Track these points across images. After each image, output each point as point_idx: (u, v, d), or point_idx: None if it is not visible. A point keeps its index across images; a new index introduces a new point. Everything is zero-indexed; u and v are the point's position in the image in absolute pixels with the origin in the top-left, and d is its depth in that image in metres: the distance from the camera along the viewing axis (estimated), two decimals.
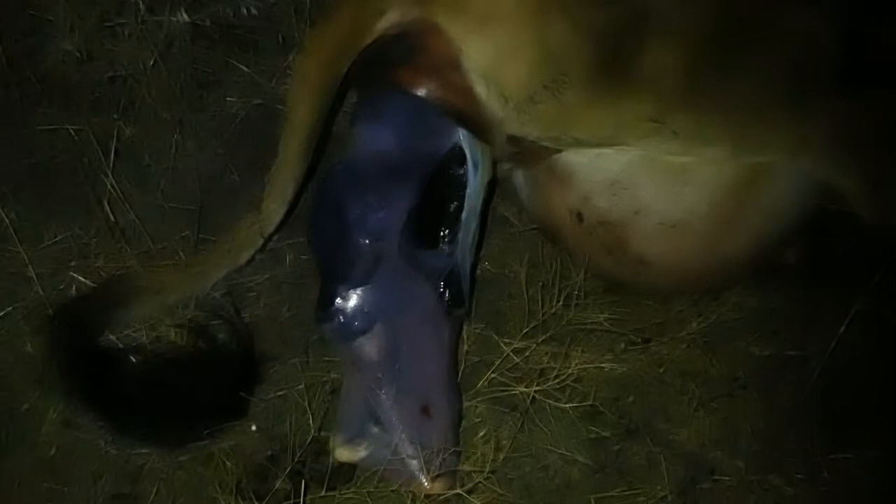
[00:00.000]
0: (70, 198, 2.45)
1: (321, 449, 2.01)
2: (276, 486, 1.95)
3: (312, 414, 2.03)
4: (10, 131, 2.58)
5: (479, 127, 1.99)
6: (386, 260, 1.94)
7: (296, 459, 1.97)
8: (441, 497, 1.93)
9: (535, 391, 2.08)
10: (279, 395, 2.11)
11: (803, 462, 2.03)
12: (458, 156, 1.98)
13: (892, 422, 2.07)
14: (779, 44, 2.02)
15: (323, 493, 1.94)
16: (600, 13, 1.93)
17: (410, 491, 1.92)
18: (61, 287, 2.26)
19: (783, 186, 2.12)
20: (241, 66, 2.75)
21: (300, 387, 2.08)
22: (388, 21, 1.97)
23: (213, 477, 1.96)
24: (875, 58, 2.07)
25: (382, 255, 1.94)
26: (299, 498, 1.90)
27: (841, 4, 2.08)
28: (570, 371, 2.12)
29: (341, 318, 1.94)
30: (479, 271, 2.35)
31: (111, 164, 2.39)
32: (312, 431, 2.01)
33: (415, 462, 1.92)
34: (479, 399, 2.11)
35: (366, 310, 1.94)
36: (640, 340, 2.25)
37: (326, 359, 2.16)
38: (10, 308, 2.22)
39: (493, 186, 2.15)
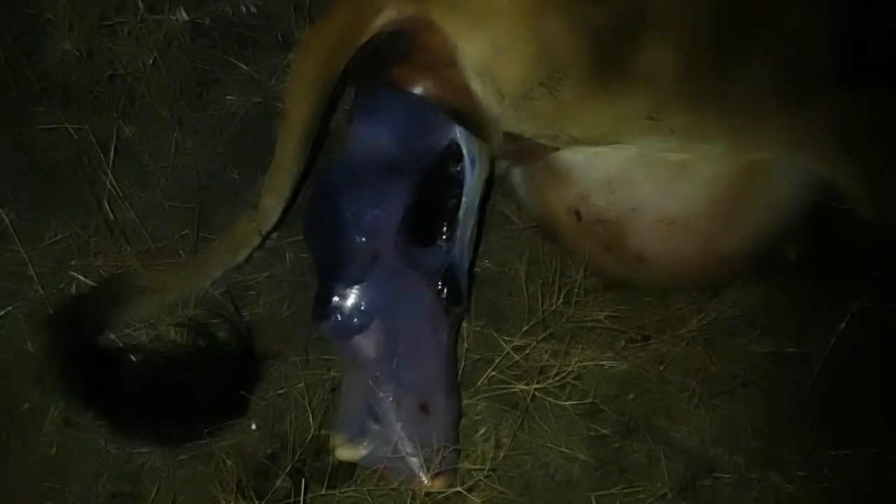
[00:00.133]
0: (70, 197, 2.45)
1: (321, 447, 2.02)
2: (277, 484, 1.95)
3: (312, 412, 2.03)
4: (9, 130, 2.58)
5: (476, 124, 1.99)
6: (382, 258, 1.94)
7: (296, 458, 1.98)
8: (441, 495, 1.93)
9: (535, 389, 2.08)
10: (279, 394, 2.12)
11: (803, 459, 2.03)
12: (455, 153, 1.98)
13: (891, 419, 2.07)
14: (776, 41, 2.02)
15: (323, 492, 1.94)
16: (596, 10, 1.93)
17: (410, 489, 1.92)
18: (61, 286, 2.26)
19: (782, 183, 2.12)
20: (240, 64, 2.76)
21: (300, 385, 2.08)
22: (384, 18, 1.97)
23: (213, 475, 1.96)
24: (874, 56, 2.07)
25: (379, 253, 1.94)
26: (300, 496, 1.90)
27: (840, 3, 2.07)
28: (570, 368, 2.12)
29: (338, 316, 1.95)
30: (478, 269, 2.36)
31: (111, 163, 2.39)
32: (312, 430, 2.01)
33: (415, 460, 1.92)
34: (479, 397, 2.11)
35: (363, 308, 1.94)
36: (640, 338, 2.25)
37: (326, 357, 2.16)
38: (11, 307, 2.22)
39: (491, 184, 2.15)
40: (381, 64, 1.98)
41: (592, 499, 1.96)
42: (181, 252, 2.34)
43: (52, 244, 2.34)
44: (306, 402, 2.04)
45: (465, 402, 2.08)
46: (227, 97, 2.72)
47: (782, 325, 2.25)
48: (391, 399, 1.93)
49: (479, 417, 2.10)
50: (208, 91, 2.74)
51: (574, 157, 2.14)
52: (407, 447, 1.92)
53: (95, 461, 2.01)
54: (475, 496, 1.94)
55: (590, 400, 2.11)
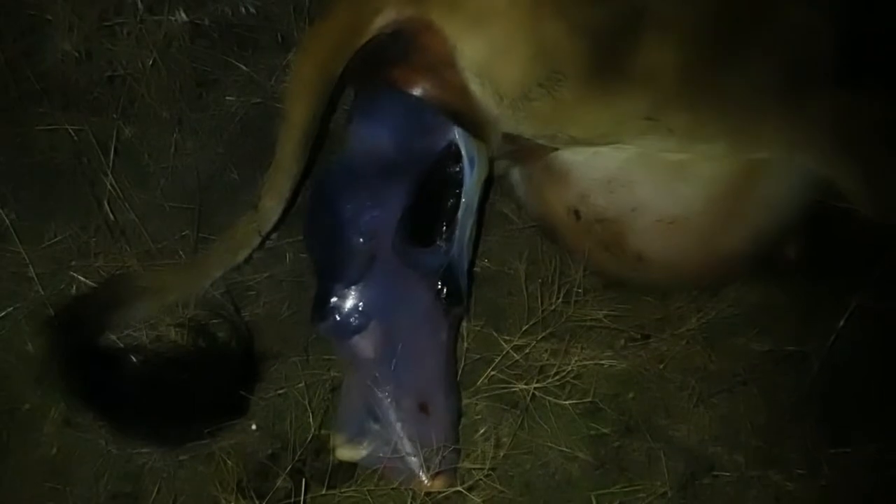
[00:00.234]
0: (70, 197, 2.45)
1: (322, 447, 2.02)
2: (277, 484, 1.96)
3: (313, 412, 2.03)
4: (9, 131, 2.58)
5: (475, 125, 1.99)
6: (381, 258, 1.95)
7: (296, 458, 1.98)
8: (441, 494, 1.93)
9: (534, 388, 2.09)
10: (279, 394, 2.12)
11: (803, 457, 2.03)
12: (454, 153, 1.98)
13: (891, 416, 2.07)
14: (776, 41, 2.02)
15: (323, 492, 1.94)
16: (595, 11, 1.93)
17: (411, 489, 1.93)
18: (61, 287, 2.26)
19: (781, 182, 2.12)
20: (240, 64, 2.76)
21: (300, 385, 2.08)
22: (383, 19, 1.97)
23: (213, 476, 1.96)
24: (874, 56, 2.07)
25: (377, 254, 1.95)
26: (300, 496, 1.90)
27: (840, 3, 2.07)
28: (569, 368, 2.13)
29: (337, 316, 1.95)
30: (478, 268, 2.36)
31: (111, 164, 2.40)
32: (313, 430, 2.02)
33: (414, 460, 1.92)
34: (479, 396, 2.11)
35: (361, 308, 1.95)
36: (639, 337, 2.25)
37: (326, 357, 2.16)
38: (11, 308, 2.22)
39: (490, 184, 2.15)
40: (380, 65, 1.99)
41: (592, 498, 1.96)
42: (181, 253, 2.34)
43: (53, 245, 2.34)
44: (306, 402, 2.04)
45: (464, 401, 2.08)
46: (227, 98, 2.72)
47: (782, 323, 2.25)
48: (390, 399, 1.94)
49: (479, 417, 2.10)
50: (208, 92, 2.74)
51: (573, 157, 2.14)
52: (407, 447, 1.93)
53: (96, 461, 2.01)
54: (475, 495, 1.94)
55: (589, 399, 2.11)
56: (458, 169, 1.98)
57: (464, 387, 2.11)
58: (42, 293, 2.23)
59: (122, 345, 2.15)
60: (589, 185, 2.16)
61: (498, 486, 1.96)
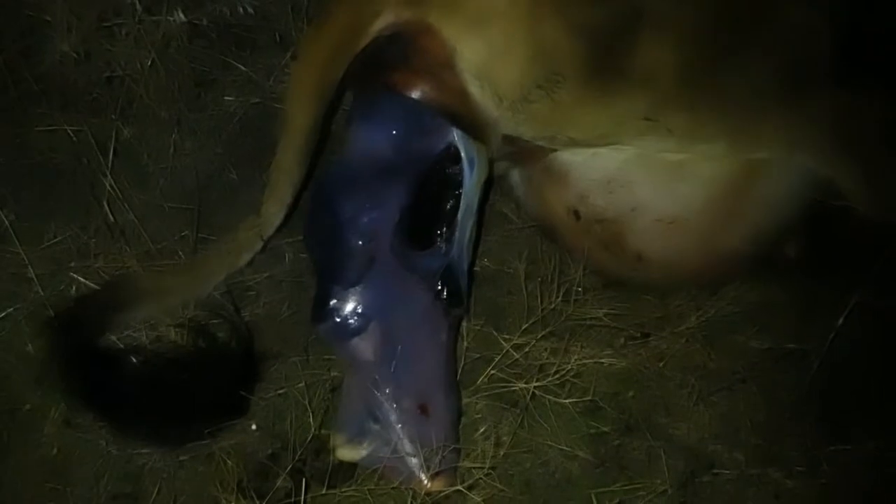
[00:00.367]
0: (69, 198, 2.45)
1: (322, 447, 2.02)
2: (277, 484, 1.96)
3: (313, 412, 2.03)
4: (8, 132, 2.58)
5: (475, 127, 2.00)
6: (380, 260, 1.95)
7: (296, 458, 1.98)
8: (441, 494, 1.94)
9: (534, 387, 2.09)
10: (279, 394, 2.12)
11: (803, 455, 2.04)
12: (453, 155, 1.98)
13: (890, 414, 2.07)
14: (774, 41, 2.02)
15: (324, 492, 1.95)
16: (594, 12, 1.93)
17: (411, 488, 1.93)
18: (61, 287, 2.26)
19: (780, 181, 2.13)
20: (238, 65, 2.76)
21: (300, 385, 2.08)
22: (382, 22, 1.97)
23: (214, 476, 1.97)
24: (874, 56, 2.07)
25: (376, 255, 1.95)
26: (300, 496, 1.90)
27: (840, 3, 2.08)
28: (569, 366, 2.13)
29: (336, 318, 1.95)
30: (478, 268, 2.36)
31: (110, 164, 2.40)
32: (313, 430, 2.02)
33: (415, 460, 1.92)
34: (478, 395, 2.11)
35: (360, 310, 1.95)
36: (639, 335, 2.25)
37: (326, 357, 2.16)
38: (11, 309, 2.22)
39: (490, 185, 2.15)
40: (379, 68, 1.99)
41: (592, 496, 1.97)
42: (181, 253, 2.34)
43: (52, 245, 2.33)
44: (306, 402, 2.04)
45: (465, 400, 2.09)
46: (226, 98, 2.72)
47: (781, 321, 2.25)
48: (390, 400, 1.94)
49: (479, 416, 2.10)
50: (206, 92, 2.74)
51: (572, 158, 2.14)
52: (407, 447, 1.93)
53: (96, 462, 2.02)
54: (475, 494, 1.94)
55: (589, 397, 2.11)
56: (457, 170, 1.99)
57: (464, 386, 2.11)
58: (42, 294, 2.23)
59: (122, 345, 2.15)
60: (588, 186, 2.16)
61: (498, 485, 1.97)
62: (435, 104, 1.96)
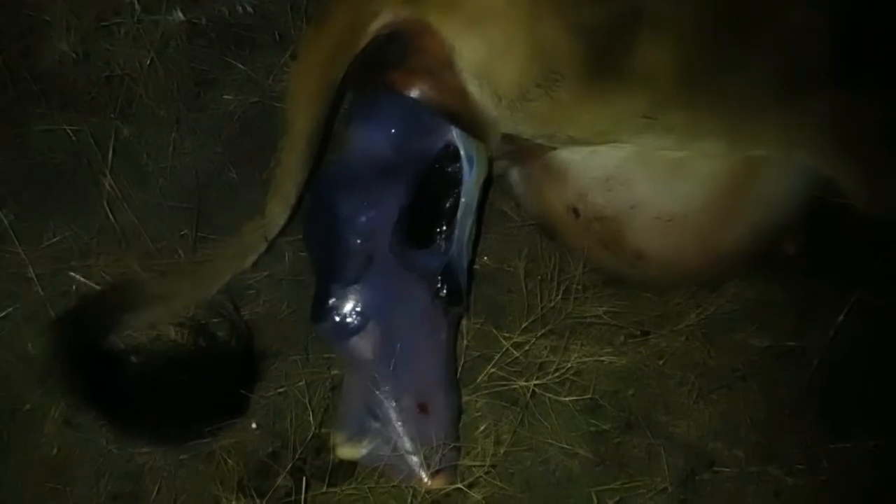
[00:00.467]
0: (69, 198, 2.45)
1: (322, 445, 2.02)
2: (278, 482, 1.96)
3: (313, 410, 2.03)
4: (7, 132, 2.58)
5: (474, 126, 2.00)
6: (378, 259, 1.95)
7: (297, 456, 1.98)
8: (442, 492, 1.94)
9: (534, 385, 2.09)
10: (279, 393, 2.12)
11: (803, 452, 2.04)
12: (453, 153, 1.98)
13: (890, 411, 2.08)
14: (773, 39, 2.02)
15: (324, 490, 1.95)
16: (593, 11, 1.93)
17: (411, 487, 1.93)
18: (62, 287, 2.26)
19: (779, 178, 2.13)
20: (237, 63, 2.76)
21: (300, 383, 2.08)
22: (381, 22, 1.98)
23: (214, 475, 1.97)
24: (874, 56, 2.07)
25: (375, 255, 1.95)
26: (300, 494, 1.91)
27: (840, 3, 2.08)
28: (569, 364, 2.13)
29: (335, 316, 1.95)
30: (477, 266, 2.36)
31: (109, 164, 2.40)
32: (313, 428, 2.02)
33: (415, 458, 1.92)
34: (478, 393, 2.11)
35: (359, 309, 1.95)
36: (639, 333, 2.25)
37: (326, 355, 2.16)
38: (11, 309, 2.22)
39: (489, 183, 2.15)
40: (378, 67, 1.99)
41: (593, 494, 1.97)
42: (180, 252, 2.34)
43: (52, 245, 2.33)
44: (307, 401, 2.04)
45: (464, 398, 2.09)
46: (225, 97, 2.71)
47: (781, 319, 2.25)
48: (390, 399, 1.94)
49: (479, 414, 2.10)
50: (206, 91, 2.73)
51: (571, 156, 2.14)
52: (406, 446, 1.93)
53: (97, 461, 2.02)
54: (476, 492, 1.94)
55: (589, 395, 2.11)
56: (456, 168, 1.99)
57: (464, 384, 2.11)
58: (42, 294, 2.22)
59: (122, 345, 2.15)
60: (587, 184, 2.16)
61: (498, 483, 1.97)
62: (434, 103, 1.96)
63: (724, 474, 2.02)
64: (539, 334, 2.16)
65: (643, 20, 1.93)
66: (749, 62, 2.01)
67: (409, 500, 1.91)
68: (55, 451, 2.03)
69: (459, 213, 2.00)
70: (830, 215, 2.20)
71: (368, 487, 1.95)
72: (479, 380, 2.12)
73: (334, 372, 2.12)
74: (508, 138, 2.07)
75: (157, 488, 1.97)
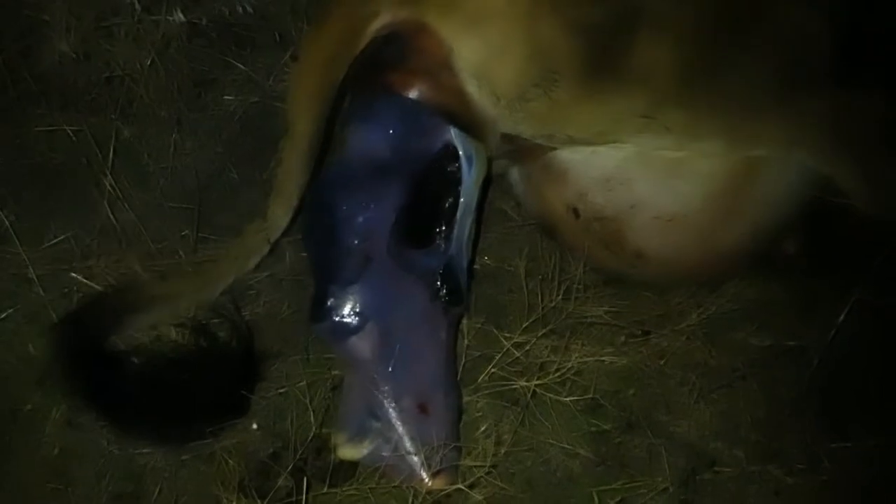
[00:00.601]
0: (69, 198, 2.46)
1: (323, 446, 2.02)
2: (279, 483, 1.96)
3: (314, 411, 2.03)
4: (8, 133, 2.59)
5: (473, 126, 2.00)
6: (376, 259, 1.95)
7: (297, 457, 1.98)
8: (443, 492, 1.94)
9: (535, 385, 2.09)
10: (280, 393, 2.12)
11: (803, 452, 2.04)
12: (452, 153, 1.98)
13: (891, 410, 2.07)
14: (773, 39, 2.02)
15: (325, 490, 1.94)
16: (591, 11, 1.93)
17: (412, 487, 1.93)
18: (63, 288, 2.26)
19: (779, 178, 2.13)
20: (238, 64, 2.76)
21: (301, 384, 2.08)
22: (379, 22, 1.98)
23: (215, 475, 1.97)
24: (873, 55, 2.07)
25: (372, 255, 1.95)
26: (301, 495, 1.90)
27: (839, 2, 2.08)
28: (570, 364, 2.13)
29: (334, 317, 1.95)
30: (478, 265, 2.36)
31: (110, 164, 2.40)
32: (314, 428, 2.02)
33: (415, 458, 1.92)
34: (479, 394, 2.11)
35: (358, 309, 1.95)
36: (639, 333, 2.25)
37: (327, 356, 2.16)
38: (11, 309, 2.23)
39: (489, 183, 2.15)
40: (376, 68, 1.99)
41: (594, 494, 1.96)
42: (181, 252, 2.34)
43: (53, 246, 2.34)
44: (307, 401, 2.04)
45: (465, 399, 2.09)
46: (225, 97, 2.72)
47: (781, 318, 2.25)
48: (389, 399, 1.94)
49: (480, 414, 2.10)
50: (206, 91, 2.74)
51: (571, 156, 2.15)
52: (407, 446, 1.93)
53: (98, 462, 2.02)
54: (476, 493, 1.94)
55: (590, 395, 2.11)
56: (455, 168, 1.99)
57: (464, 384, 2.11)
58: (42, 294, 2.23)
59: (123, 345, 2.15)
60: (587, 184, 2.16)
61: (499, 484, 1.97)
62: (432, 104, 1.96)
63: (724, 474, 2.02)
64: (540, 334, 2.16)
65: (642, 20, 1.94)
66: (749, 62, 2.01)
67: (409, 501, 1.91)
68: (56, 451, 2.03)
69: (459, 213, 2.00)
70: (830, 215, 2.20)
71: (369, 488, 1.95)
72: (479, 380, 2.12)
73: (335, 372, 2.12)
74: (508, 138, 2.07)
75: (158, 489, 1.97)
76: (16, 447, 2.04)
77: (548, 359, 2.15)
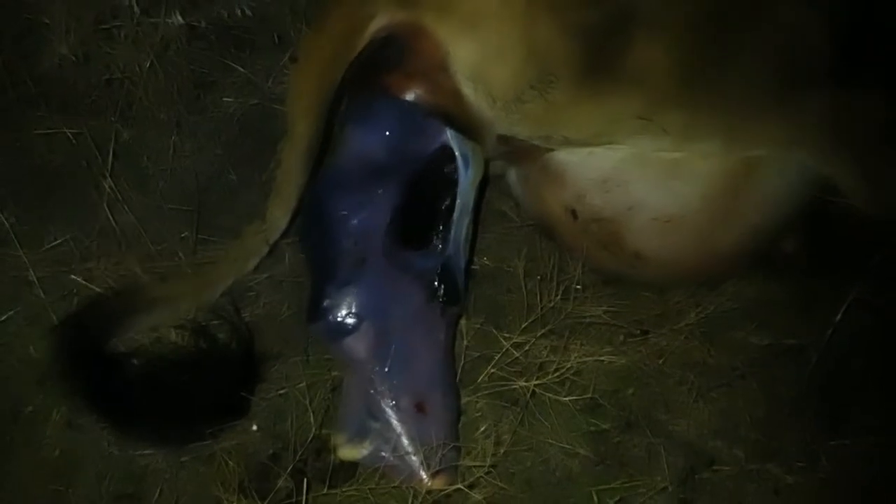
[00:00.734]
0: (69, 201, 2.46)
1: (323, 447, 2.02)
2: (279, 484, 1.96)
3: (313, 412, 2.03)
4: (7, 135, 2.59)
5: (469, 128, 2.00)
6: (372, 260, 1.96)
7: (297, 458, 1.98)
8: (442, 492, 1.94)
9: (534, 385, 2.09)
10: (280, 394, 2.12)
11: (802, 450, 2.04)
12: (448, 154, 1.99)
13: (889, 409, 2.08)
14: (768, 39, 2.02)
15: (325, 491, 1.95)
16: (587, 12, 1.93)
17: (412, 487, 1.93)
18: (63, 290, 2.27)
19: (777, 178, 2.13)
20: (237, 66, 2.77)
21: (301, 385, 2.09)
22: (376, 25, 1.98)
23: (215, 476, 1.97)
24: (872, 55, 2.07)
25: (368, 256, 1.96)
26: (301, 496, 1.90)
27: (838, 2, 2.08)
28: (569, 364, 2.13)
29: (330, 317, 1.96)
30: (477, 266, 2.37)
31: (109, 167, 2.41)
32: (314, 429, 2.02)
33: (415, 459, 1.93)
34: (479, 394, 2.11)
35: (354, 310, 1.96)
36: (638, 332, 2.26)
37: (327, 357, 2.16)
38: (12, 312, 2.23)
39: (486, 184, 2.16)
40: (374, 71, 1.99)
41: (593, 494, 1.97)
42: (181, 254, 2.35)
43: (53, 248, 2.34)
44: (307, 402, 2.04)
45: (465, 399, 2.09)
46: (225, 99, 2.73)
47: (780, 317, 2.26)
48: (387, 399, 1.94)
49: (480, 414, 2.10)
50: (206, 93, 2.75)
51: (568, 157, 2.15)
52: (405, 446, 1.93)
53: (98, 463, 2.02)
54: (476, 493, 1.94)
55: (589, 395, 2.12)
56: (452, 169, 1.99)
57: (464, 384, 2.11)
58: (43, 297, 2.23)
59: (123, 347, 2.15)
60: (585, 185, 2.16)
61: (499, 483, 1.97)
62: (429, 106, 1.97)
63: (723, 473, 2.02)
64: (539, 334, 2.16)
65: (638, 21, 1.94)
66: (748, 62, 2.01)
67: (409, 501, 1.91)
68: (57, 453, 2.04)
69: (455, 214, 2.00)
70: (829, 214, 2.20)
71: (369, 488, 1.95)
72: (479, 380, 2.13)
73: (335, 373, 2.12)
74: (504, 139, 2.07)
75: (158, 490, 1.97)
76: (16, 449, 2.04)
77: (547, 359, 2.15)
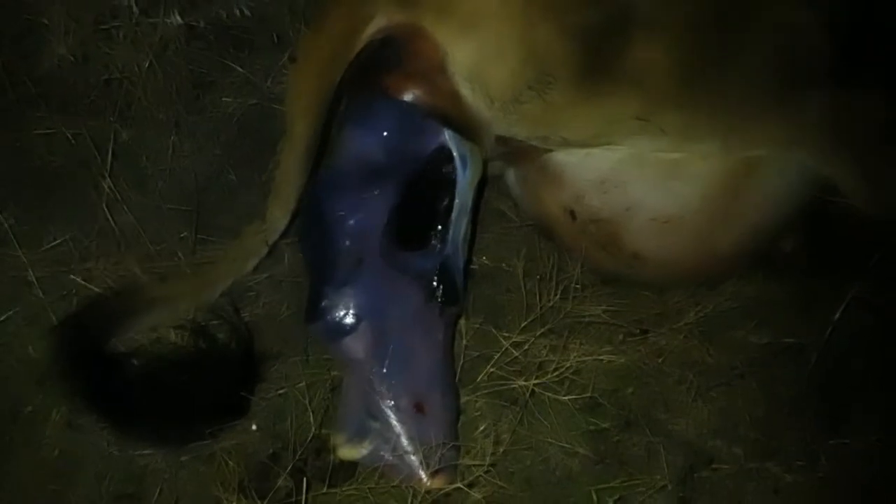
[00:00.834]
0: (68, 201, 2.46)
1: (322, 446, 2.02)
2: (278, 484, 1.96)
3: (313, 412, 2.03)
4: (6, 135, 2.59)
5: (467, 129, 2.00)
6: (370, 261, 1.96)
7: (297, 457, 1.98)
8: (442, 492, 1.94)
9: (534, 384, 2.09)
10: (280, 394, 2.12)
11: (801, 449, 2.04)
12: (446, 155, 1.99)
13: (889, 408, 2.08)
14: (768, 39, 2.02)
15: (325, 491, 1.95)
16: (585, 13, 1.93)
17: (411, 487, 1.93)
18: (62, 291, 2.27)
19: (776, 178, 2.13)
20: (236, 66, 2.77)
21: (301, 385, 2.09)
22: (375, 26, 1.98)
23: (215, 476, 1.97)
24: (871, 55, 2.07)
25: (365, 256, 1.96)
26: (301, 495, 1.91)
27: (838, 2, 2.08)
28: (568, 364, 2.13)
29: (328, 317, 1.96)
30: (476, 266, 2.37)
31: (108, 167, 2.41)
32: (313, 429, 2.02)
33: (414, 458, 1.93)
34: (478, 393, 2.11)
35: (351, 310, 1.96)
36: (638, 331, 2.26)
37: (326, 357, 2.16)
38: (11, 312, 2.23)
39: (484, 184, 2.16)
40: (372, 72, 1.99)
41: (593, 493, 1.97)
42: (180, 254, 2.35)
43: (52, 248, 2.34)
44: (307, 402, 2.05)
45: (464, 398, 2.09)
46: (224, 99, 2.73)
47: (779, 316, 2.26)
48: (385, 398, 1.95)
49: (479, 414, 2.10)
50: (204, 93, 2.75)
51: (567, 158, 2.15)
52: (405, 446, 1.93)
53: (98, 463, 2.02)
54: (476, 492, 1.94)
55: (589, 394, 2.12)
56: (450, 169, 1.99)
57: (463, 384, 2.11)
58: (42, 297, 2.23)
59: (122, 347, 2.16)
60: (583, 186, 2.17)
61: (498, 483, 1.97)
62: (427, 107, 1.97)
63: (723, 471, 2.02)
64: (538, 333, 2.17)
65: (637, 22, 1.94)
66: (747, 62, 2.01)
67: (409, 500, 1.91)
68: (56, 453, 2.04)
69: (454, 214, 2.00)
70: (828, 213, 2.20)
71: (369, 488, 1.95)
72: (478, 379, 2.13)
73: (334, 373, 2.12)
74: (502, 140, 2.07)
75: (158, 490, 1.97)
76: (16, 449, 2.04)
77: (546, 358, 2.15)
